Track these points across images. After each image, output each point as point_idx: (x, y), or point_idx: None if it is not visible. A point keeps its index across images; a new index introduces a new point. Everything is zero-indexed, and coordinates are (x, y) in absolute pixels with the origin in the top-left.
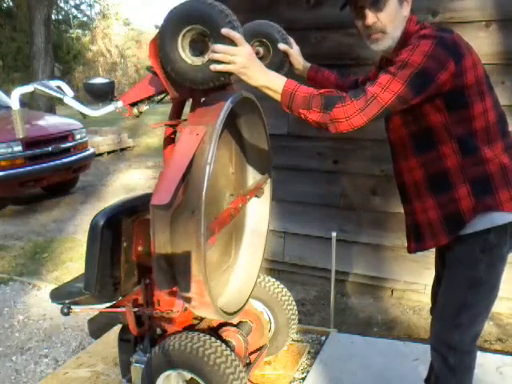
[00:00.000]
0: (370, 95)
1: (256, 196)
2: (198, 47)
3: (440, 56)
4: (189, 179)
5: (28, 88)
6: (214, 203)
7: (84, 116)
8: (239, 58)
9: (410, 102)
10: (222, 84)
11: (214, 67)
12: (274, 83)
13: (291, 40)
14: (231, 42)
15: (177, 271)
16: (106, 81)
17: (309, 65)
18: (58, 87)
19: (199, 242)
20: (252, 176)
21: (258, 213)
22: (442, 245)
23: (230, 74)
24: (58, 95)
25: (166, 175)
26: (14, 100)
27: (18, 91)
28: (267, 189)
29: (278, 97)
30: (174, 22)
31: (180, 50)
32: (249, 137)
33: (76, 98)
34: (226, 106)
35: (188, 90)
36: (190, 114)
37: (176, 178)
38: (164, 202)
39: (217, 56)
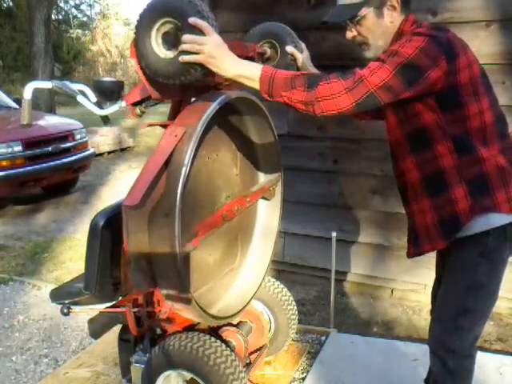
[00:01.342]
0: (358, 77)
1: (265, 198)
2: (172, 41)
3: (432, 52)
4: (166, 181)
5: (46, 84)
6: (202, 205)
7: (105, 122)
8: (207, 47)
9: (401, 95)
10: (212, 84)
11: (182, 58)
12: (249, 71)
13: (302, 45)
14: (201, 32)
15: (156, 273)
16: (115, 80)
17: (317, 71)
18: (81, 91)
19: (173, 245)
20: (263, 178)
21: (268, 214)
22: (438, 249)
23: (200, 65)
24: (73, 94)
25: (140, 176)
26: (27, 90)
27: (35, 84)
28: (278, 191)
29: (255, 85)
30: (148, 17)
31: (154, 45)
32: (257, 138)
33: (96, 102)
34: (212, 107)
35: (179, 91)
36: (178, 115)
37: (148, 178)
38: (134, 203)
39: (185, 46)
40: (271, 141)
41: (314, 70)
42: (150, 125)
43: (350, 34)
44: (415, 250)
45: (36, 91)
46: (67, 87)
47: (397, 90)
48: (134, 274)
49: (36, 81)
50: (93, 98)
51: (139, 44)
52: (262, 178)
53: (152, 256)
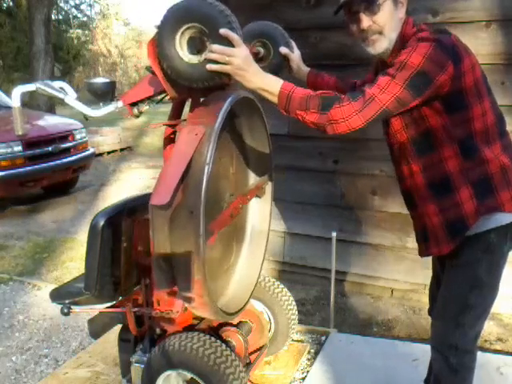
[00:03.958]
0: (368, 96)
1: (257, 196)
2: (196, 45)
3: (439, 58)
4: (188, 179)
5: (30, 87)
6: (213, 203)
7: (86, 117)
8: (236, 59)
9: (410, 105)
10: (219, 84)
11: (210, 67)
12: (270, 85)
13: (293, 44)
14: (229, 42)
15: (176, 271)
16: (107, 80)
17: (308, 69)
18: (61, 88)
19: (198, 242)
20: (253, 176)
21: (259, 213)
22: (444, 253)
23: (225, 74)
24: (60, 95)
25: (165, 175)
26: (15, 98)
27: (20, 89)
28: (268, 189)
29: (274, 99)
30: (174, 20)
31: (178, 48)
32: (250, 137)
33: (77, 98)
34: (225, 106)
35: (187, 90)
36: (190, 114)
37: (175, 178)
38: (163, 202)
39: (213, 56)
40: (264, 139)
41: (304, 68)
42: (165, 124)
43: (366, 23)
44: (426, 250)
45: (25, 96)
46: (53, 88)
47: (407, 101)
48: (158, 274)
49: (21, 85)
50: (72, 94)
51: (162, 45)
52: (252, 175)
53: (175, 254)
